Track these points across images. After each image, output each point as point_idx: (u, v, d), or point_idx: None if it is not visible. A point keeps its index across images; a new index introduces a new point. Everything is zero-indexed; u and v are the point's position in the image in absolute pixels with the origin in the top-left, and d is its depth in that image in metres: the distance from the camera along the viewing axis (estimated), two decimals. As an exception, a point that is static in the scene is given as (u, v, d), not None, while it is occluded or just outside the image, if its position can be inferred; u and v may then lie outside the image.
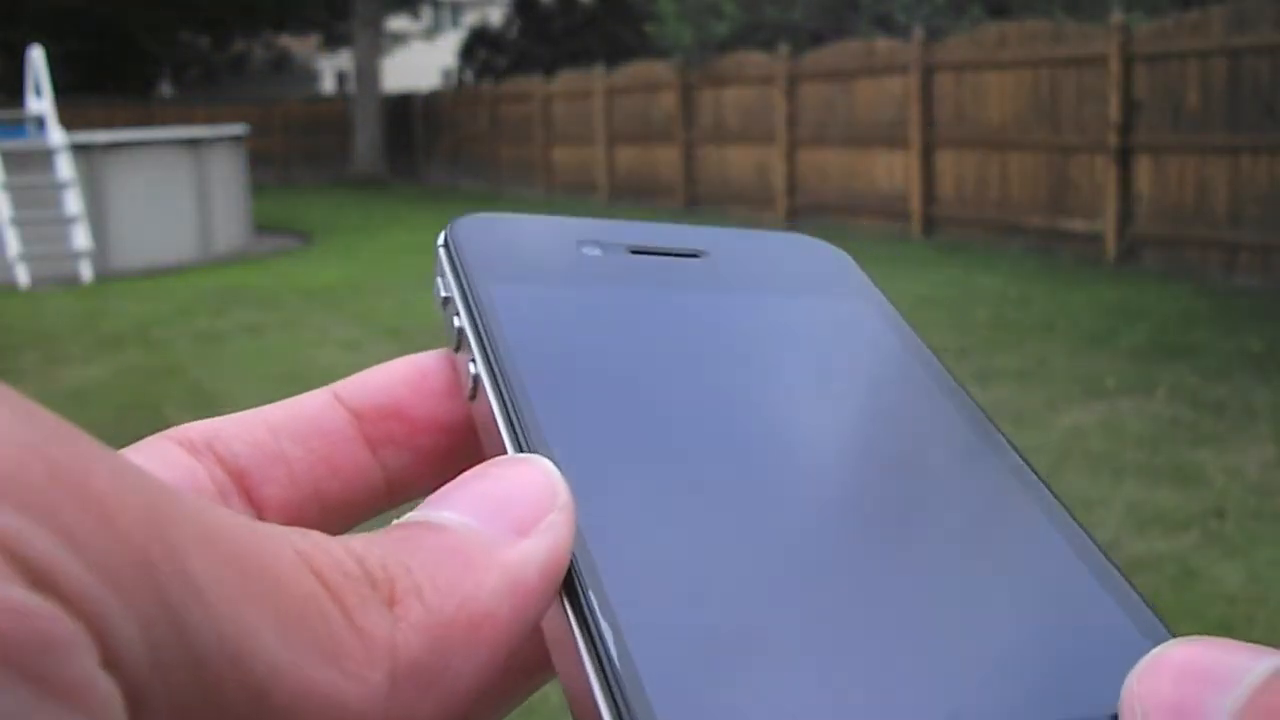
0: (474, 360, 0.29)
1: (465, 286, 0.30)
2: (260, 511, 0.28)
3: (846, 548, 0.26)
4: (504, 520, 0.23)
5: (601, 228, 0.34)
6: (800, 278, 0.34)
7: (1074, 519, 0.28)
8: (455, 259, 0.31)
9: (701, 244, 0.35)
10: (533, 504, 0.24)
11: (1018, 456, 0.29)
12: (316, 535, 0.21)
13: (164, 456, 0.28)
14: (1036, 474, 0.29)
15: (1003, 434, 0.30)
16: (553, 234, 0.34)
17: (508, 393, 0.27)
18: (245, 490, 0.28)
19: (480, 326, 0.29)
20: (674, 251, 0.34)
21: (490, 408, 0.27)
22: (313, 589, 0.20)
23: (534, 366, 0.28)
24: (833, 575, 0.25)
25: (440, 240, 0.32)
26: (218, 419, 0.29)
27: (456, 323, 0.30)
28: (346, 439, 0.29)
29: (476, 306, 0.30)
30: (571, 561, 0.24)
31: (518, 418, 0.27)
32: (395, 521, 0.24)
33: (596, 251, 0.33)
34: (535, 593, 0.23)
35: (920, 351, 0.32)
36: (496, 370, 0.28)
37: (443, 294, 0.31)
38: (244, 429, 0.29)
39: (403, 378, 0.30)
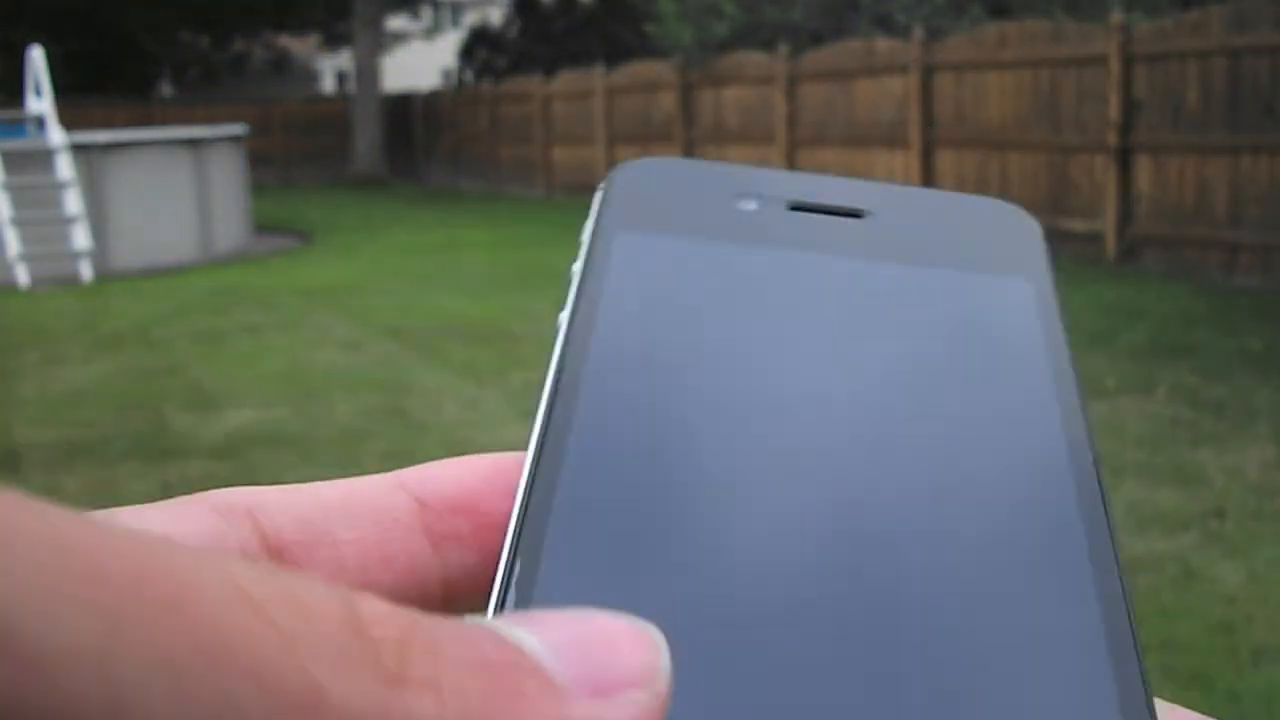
0: (565, 308, 0.28)
1: (594, 233, 0.29)
2: None
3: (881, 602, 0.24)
4: (586, 669, 0.18)
5: (770, 179, 0.33)
6: (965, 249, 0.31)
7: (1124, 591, 0.25)
8: (602, 204, 0.30)
9: (870, 203, 0.32)
10: (626, 669, 0.19)
11: (1099, 493, 0.26)
12: (291, 574, 0.16)
13: (189, 517, 0.24)
14: (1111, 531, 0.26)
15: (1096, 456, 0.27)
16: (714, 183, 0.32)
17: (570, 345, 0.26)
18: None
19: (585, 274, 0.28)
20: (835, 210, 0.32)
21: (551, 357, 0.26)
22: (245, 624, 0.15)
23: (617, 323, 0.27)
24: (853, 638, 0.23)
25: (601, 184, 0.31)
26: (266, 488, 0.26)
27: (574, 267, 0.29)
28: (406, 528, 0.26)
29: (592, 254, 0.29)
30: None
31: (564, 375, 0.26)
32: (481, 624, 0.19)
33: (752, 205, 0.32)
34: None
35: (1058, 353, 0.29)
36: (574, 320, 0.27)
37: (580, 239, 0.30)
38: (292, 501, 0.25)
39: (477, 471, 0.27)
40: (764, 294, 0.29)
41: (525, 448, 0.26)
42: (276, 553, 0.25)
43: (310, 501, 0.26)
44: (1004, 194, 9.66)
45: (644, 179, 0.31)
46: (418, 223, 13.35)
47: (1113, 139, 8.57)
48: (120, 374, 6.12)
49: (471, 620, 0.19)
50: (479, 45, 24.87)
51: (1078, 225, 8.98)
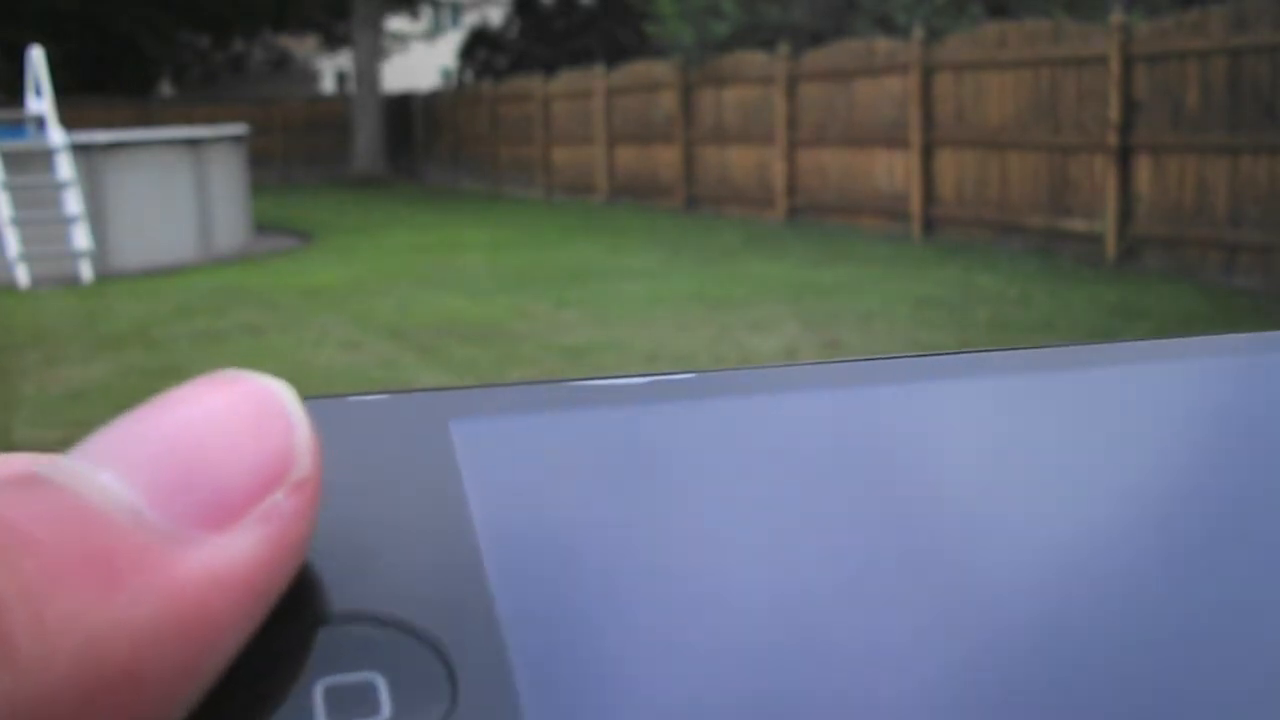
0: None
1: None
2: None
3: None
4: (191, 497, 0.14)
5: None
6: None
7: None
8: None
9: None
10: (249, 474, 0.14)
11: None
12: None
13: None
14: None
15: None
16: None
17: None
18: None
19: None
20: None
21: None
22: None
23: None
24: None
25: None
26: None
27: None
28: None
29: None
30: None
31: None
32: (20, 468, 0.14)
33: None
34: (215, 624, 0.14)
35: None
36: None
37: None
38: None
39: None
40: None
41: None
42: None
43: None
44: (1004, 194, 9.68)
45: None
46: (418, 223, 13.35)
47: (1113, 139, 8.57)
48: (120, 374, 6.12)
49: (37, 468, 0.14)
50: (479, 45, 24.87)
51: (1078, 225, 8.98)
